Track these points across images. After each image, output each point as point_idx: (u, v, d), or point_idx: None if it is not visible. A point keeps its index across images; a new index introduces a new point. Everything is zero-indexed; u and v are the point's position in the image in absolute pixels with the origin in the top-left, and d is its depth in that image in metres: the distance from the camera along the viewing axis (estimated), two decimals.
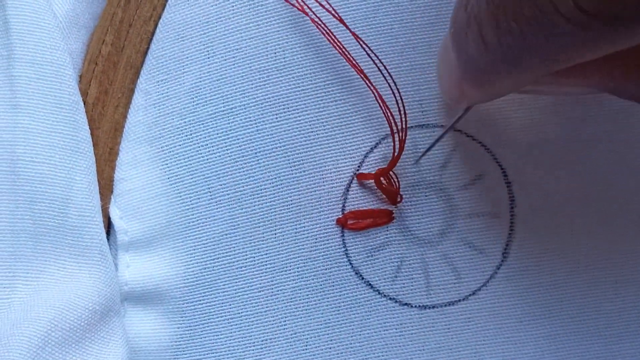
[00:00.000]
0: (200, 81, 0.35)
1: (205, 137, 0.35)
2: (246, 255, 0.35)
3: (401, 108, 0.33)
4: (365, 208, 0.35)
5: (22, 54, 0.35)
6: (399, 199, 0.35)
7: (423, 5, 0.34)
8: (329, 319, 0.35)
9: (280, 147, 0.35)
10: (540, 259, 0.35)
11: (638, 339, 0.36)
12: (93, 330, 0.35)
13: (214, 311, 0.36)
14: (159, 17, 0.36)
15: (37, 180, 0.35)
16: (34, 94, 0.35)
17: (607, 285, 0.36)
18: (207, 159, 0.35)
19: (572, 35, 0.23)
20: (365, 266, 0.35)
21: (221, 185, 0.35)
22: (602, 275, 0.36)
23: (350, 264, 0.35)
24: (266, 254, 0.35)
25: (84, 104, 0.36)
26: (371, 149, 0.34)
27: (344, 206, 0.35)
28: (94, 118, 0.37)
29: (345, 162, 0.35)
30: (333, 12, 0.33)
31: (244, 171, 0.35)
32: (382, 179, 0.34)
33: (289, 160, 0.35)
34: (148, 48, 0.36)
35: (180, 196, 0.36)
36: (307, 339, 0.35)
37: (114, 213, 0.37)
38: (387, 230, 0.35)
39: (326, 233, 0.35)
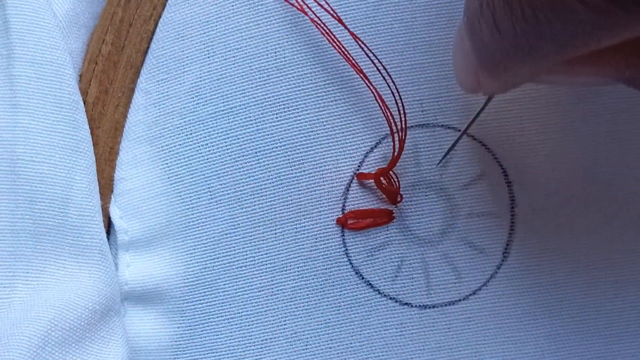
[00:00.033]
0: (201, 80, 0.35)
1: (205, 137, 0.35)
2: (246, 254, 0.35)
3: (401, 108, 0.33)
4: (365, 208, 0.35)
5: (22, 53, 0.35)
6: (399, 199, 0.35)
7: (423, 5, 0.34)
8: (329, 319, 0.35)
9: (281, 146, 0.35)
10: (540, 259, 0.35)
11: (638, 338, 0.36)
12: (93, 330, 0.35)
13: (214, 311, 0.36)
14: (159, 17, 0.36)
15: (37, 180, 0.35)
16: (34, 93, 0.35)
17: (607, 285, 0.36)
18: (207, 159, 0.35)
19: (588, 21, 0.22)
20: (365, 266, 0.35)
21: (221, 184, 0.35)
22: (602, 275, 0.36)
23: (351, 263, 0.35)
24: (266, 253, 0.35)
25: (84, 103, 0.36)
26: (371, 148, 0.34)
27: (344, 206, 0.35)
28: (94, 117, 0.37)
29: (346, 162, 0.35)
30: (332, 12, 0.33)
31: (244, 171, 0.35)
32: (382, 178, 0.34)
33: (289, 159, 0.35)
34: (148, 47, 0.36)
35: (181, 196, 0.36)
36: (307, 338, 0.35)
37: (114, 212, 0.37)
38: (387, 230, 0.35)
39: (326, 233, 0.35)
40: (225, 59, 0.35)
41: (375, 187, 0.34)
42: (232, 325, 0.36)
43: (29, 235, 0.35)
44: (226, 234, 0.35)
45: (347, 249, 0.35)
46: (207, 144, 0.35)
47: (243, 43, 0.35)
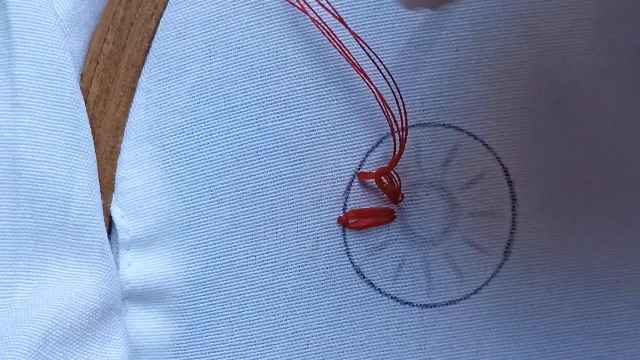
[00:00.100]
0: (202, 80, 0.35)
1: (206, 136, 0.35)
2: (247, 254, 0.35)
3: (401, 107, 0.33)
4: (366, 207, 0.35)
5: (23, 52, 0.35)
6: (400, 198, 0.35)
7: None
8: (330, 318, 0.35)
9: (282, 145, 0.35)
10: (541, 258, 0.35)
11: (639, 338, 0.36)
12: (94, 329, 0.35)
13: (215, 310, 0.36)
14: (161, 16, 0.36)
15: (38, 179, 0.35)
16: (35, 92, 0.35)
17: (608, 284, 0.36)
18: (209, 158, 0.35)
19: None
20: (366, 265, 0.35)
21: (222, 183, 0.35)
22: (603, 275, 0.36)
23: (352, 262, 0.35)
24: (267, 252, 0.35)
25: (85, 102, 0.37)
26: (372, 148, 0.34)
27: (345, 205, 0.35)
28: (95, 117, 0.37)
29: (347, 161, 0.35)
30: (333, 11, 0.33)
31: (245, 170, 0.35)
32: (383, 178, 0.34)
33: (290, 159, 0.35)
34: (149, 46, 0.36)
35: (182, 195, 0.36)
36: (308, 337, 0.35)
37: (115, 212, 0.37)
38: (389, 229, 0.35)
39: (327, 232, 0.35)
40: (227, 58, 0.35)
41: (376, 187, 0.34)
42: (233, 325, 0.36)
43: (30, 234, 0.35)
44: (227, 233, 0.35)
45: (348, 248, 0.35)
46: (209, 143, 0.35)
47: (244, 42, 0.35)
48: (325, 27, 0.34)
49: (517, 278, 0.35)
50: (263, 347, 0.35)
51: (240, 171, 0.35)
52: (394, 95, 0.33)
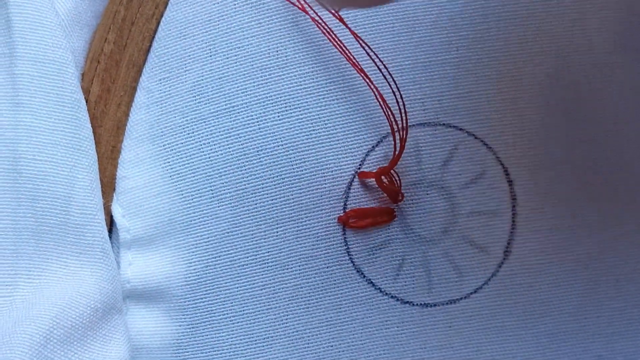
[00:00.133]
0: (202, 79, 0.35)
1: (207, 135, 0.35)
2: (248, 253, 0.35)
3: (402, 107, 0.33)
4: (366, 206, 0.35)
5: (24, 52, 0.35)
6: (400, 198, 0.35)
7: (424, 4, 0.34)
8: (331, 317, 0.35)
9: (282, 145, 0.35)
10: (541, 257, 0.35)
11: (639, 337, 0.36)
12: (95, 328, 0.35)
13: (215, 309, 0.36)
14: (162, 15, 0.36)
15: (40, 178, 0.35)
16: (36, 92, 0.35)
17: (609, 283, 0.36)
18: (209, 157, 0.35)
19: None
20: (366, 264, 0.35)
21: (223, 183, 0.35)
22: (603, 274, 0.36)
23: (352, 262, 0.35)
24: (268, 252, 0.35)
25: (86, 102, 0.37)
26: (372, 147, 0.34)
27: (345, 204, 0.35)
28: (96, 116, 0.37)
29: (347, 161, 0.35)
30: (333, 11, 0.33)
31: (245, 169, 0.35)
32: (383, 177, 0.34)
33: (290, 158, 0.35)
34: (150, 46, 0.36)
35: (182, 194, 0.36)
36: (308, 337, 0.35)
37: (116, 211, 0.37)
38: (389, 229, 0.35)
39: (328, 231, 0.35)
40: (227, 58, 0.35)
41: (377, 186, 0.34)
42: (233, 324, 0.36)
43: (31, 234, 0.35)
44: (228, 233, 0.35)
45: (348, 248, 0.35)
46: (209, 143, 0.35)
47: (245, 42, 0.35)
48: (326, 27, 0.34)
49: (517, 277, 0.35)
50: (263, 346, 0.36)
51: (241, 171, 0.35)
52: (394, 95, 0.33)
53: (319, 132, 0.34)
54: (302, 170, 0.35)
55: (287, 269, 0.35)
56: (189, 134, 0.35)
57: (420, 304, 0.35)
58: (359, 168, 0.35)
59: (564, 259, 0.35)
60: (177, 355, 0.37)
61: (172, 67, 0.36)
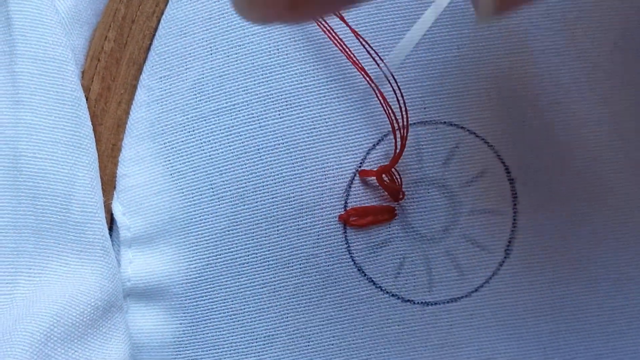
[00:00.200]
0: (203, 77, 0.35)
1: (207, 134, 0.35)
2: (248, 251, 0.35)
3: (402, 105, 0.33)
4: (367, 205, 0.35)
5: (25, 50, 0.35)
6: (401, 196, 0.35)
7: (425, 2, 0.34)
8: (331, 315, 0.35)
9: (283, 143, 0.35)
10: (542, 256, 0.35)
11: (639, 336, 0.36)
12: (95, 326, 0.35)
13: (216, 307, 0.36)
14: (162, 13, 0.36)
15: (40, 176, 0.35)
16: (36, 90, 0.35)
17: (609, 282, 0.36)
18: (210, 155, 0.35)
19: None
20: (367, 263, 0.35)
21: (223, 181, 0.35)
22: (604, 272, 0.36)
23: (353, 260, 0.35)
24: (268, 250, 0.35)
25: (87, 100, 0.37)
26: (373, 145, 0.34)
27: (346, 203, 0.35)
28: (97, 114, 0.37)
29: (348, 159, 0.35)
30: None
31: (246, 167, 0.35)
32: (384, 175, 0.34)
33: (291, 156, 0.35)
34: (151, 44, 0.36)
35: (183, 192, 0.36)
36: (309, 335, 0.35)
37: (117, 209, 0.37)
38: (390, 227, 0.35)
39: (328, 229, 0.35)
40: (228, 56, 0.35)
41: (377, 185, 0.34)
42: (234, 322, 0.36)
43: (32, 232, 0.35)
44: (228, 231, 0.35)
45: (349, 246, 0.35)
46: (210, 141, 0.35)
47: (245, 40, 0.35)
48: (327, 25, 0.34)
49: (518, 276, 0.35)
50: (264, 344, 0.36)
51: (242, 169, 0.35)
52: (395, 93, 0.33)
53: (319, 130, 0.34)
54: (303, 169, 0.35)
55: (288, 267, 0.35)
56: (189, 132, 0.35)
57: (421, 303, 0.35)
58: (360, 166, 0.35)
59: (565, 258, 0.35)
60: (177, 353, 0.37)
61: (172, 65, 0.36)
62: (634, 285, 0.36)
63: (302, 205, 0.35)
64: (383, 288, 0.35)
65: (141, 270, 0.37)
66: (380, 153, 0.35)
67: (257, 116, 0.35)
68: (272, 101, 0.34)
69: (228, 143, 0.35)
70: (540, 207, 0.35)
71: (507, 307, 0.35)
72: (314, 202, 0.35)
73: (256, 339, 0.36)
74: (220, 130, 0.35)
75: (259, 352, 0.36)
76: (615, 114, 0.35)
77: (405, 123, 0.33)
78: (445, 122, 0.34)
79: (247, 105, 0.35)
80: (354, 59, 0.33)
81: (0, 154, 0.35)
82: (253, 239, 0.35)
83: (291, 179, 0.35)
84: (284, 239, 0.35)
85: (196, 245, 0.36)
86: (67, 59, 0.36)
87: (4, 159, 0.35)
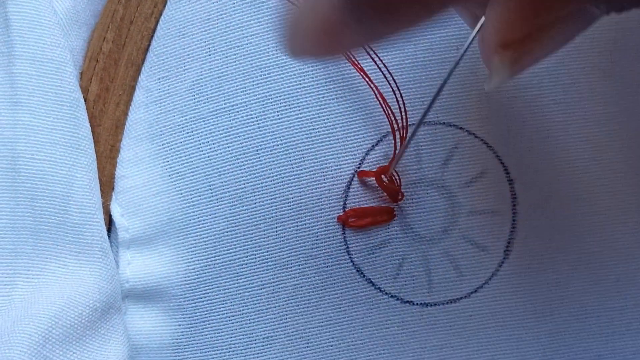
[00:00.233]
0: (202, 78, 0.35)
1: (206, 135, 0.35)
2: (247, 252, 0.35)
3: (402, 106, 0.33)
4: (366, 206, 0.35)
5: (23, 51, 0.35)
6: (400, 197, 0.35)
7: None
8: (331, 317, 0.35)
9: (282, 144, 0.35)
10: (542, 257, 0.35)
11: (639, 336, 0.36)
12: (94, 328, 0.35)
13: (215, 309, 0.36)
14: (160, 14, 0.36)
15: (38, 178, 0.35)
16: (34, 91, 0.35)
17: (609, 282, 0.36)
18: (208, 156, 0.35)
19: None
20: (366, 264, 0.35)
21: (222, 182, 0.35)
22: (603, 273, 0.36)
23: (352, 261, 0.35)
24: (267, 251, 0.35)
25: (85, 101, 0.37)
26: (372, 146, 0.34)
27: (345, 204, 0.35)
28: (95, 115, 0.37)
29: (347, 160, 0.34)
30: None
31: (245, 168, 0.35)
32: (383, 176, 0.34)
33: (290, 157, 0.34)
34: (149, 45, 0.36)
35: (181, 193, 0.36)
36: (308, 336, 0.35)
37: (115, 210, 0.37)
38: (389, 228, 0.35)
39: (327, 231, 0.35)
40: (227, 57, 0.35)
41: (376, 185, 0.34)
42: (233, 323, 0.36)
43: (30, 233, 0.35)
44: (227, 232, 0.35)
45: (348, 247, 0.35)
46: (208, 142, 0.35)
47: (244, 41, 0.35)
48: None
49: (518, 277, 0.35)
50: (263, 345, 0.35)
51: (240, 170, 0.35)
52: (394, 94, 0.33)
53: (318, 131, 0.34)
54: (302, 170, 0.34)
55: (287, 268, 0.35)
56: (188, 133, 0.35)
57: (420, 304, 0.35)
58: (359, 167, 0.35)
59: (564, 258, 0.35)
60: (176, 355, 0.37)
61: (171, 66, 0.36)
62: (634, 286, 0.36)
63: (301, 206, 0.35)
64: (382, 289, 0.35)
65: (140, 272, 0.37)
66: (379, 154, 0.34)
67: (256, 117, 0.35)
68: (271, 102, 0.34)
69: (227, 144, 0.35)
70: (540, 208, 0.35)
71: (507, 308, 0.35)
72: (313, 203, 0.35)
73: (255, 340, 0.35)
74: (218, 131, 0.35)
75: (258, 353, 0.35)
76: (615, 114, 0.35)
77: (404, 124, 0.33)
78: (444, 123, 0.34)
79: (246, 106, 0.35)
80: (353, 59, 0.33)
81: None
82: (252, 240, 0.35)
83: (290, 179, 0.35)
84: (282, 240, 0.35)
85: (195, 247, 0.36)
86: (66, 60, 0.36)
87: (2, 160, 0.35)
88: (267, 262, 0.35)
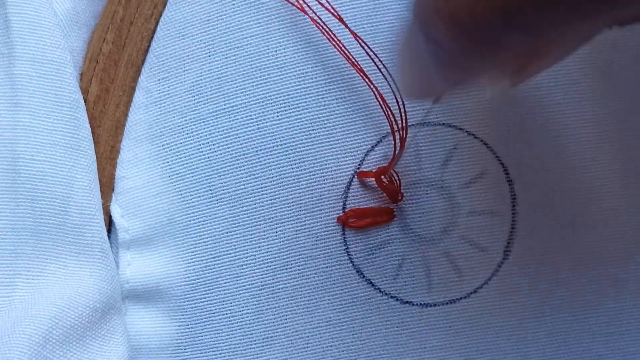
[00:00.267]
0: (202, 79, 0.35)
1: (206, 135, 0.35)
2: (247, 253, 0.35)
3: (401, 106, 0.33)
4: (366, 206, 0.35)
5: (23, 52, 0.35)
6: (399, 197, 0.35)
7: None
8: (330, 317, 0.35)
9: (281, 145, 0.35)
10: (541, 257, 0.35)
11: (639, 336, 0.36)
12: (94, 328, 0.35)
13: (215, 309, 0.36)
14: (160, 15, 0.36)
15: (38, 178, 0.35)
16: (34, 92, 0.35)
17: (608, 282, 0.36)
18: (208, 157, 0.35)
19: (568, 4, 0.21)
20: (366, 264, 0.35)
21: (222, 183, 0.35)
22: (603, 273, 0.36)
23: (351, 262, 0.35)
24: (267, 252, 0.35)
25: (85, 102, 0.37)
26: (372, 147, 0.34)
27: (344, 204, 0.35)
28: (95, 116, 0.37)
29: (346, 160, 0.35)
30: (332, 11, 0.33)
31: (244, 169, 0.35)
32: (382, 177, 0.34)
33: (289, 158, 0.35)
34: (149, 46, 0.36)
35: (181, 194, 0.36)
36: (308, 337, 0.35)
37: (115, 211, 0.37)
38: (388, 229, 0.35)
39: (327, 231, 0.35)
40: (226, 58, 0.35)
41: (376, 186, 0.34)
42: (233, 324, 0.36)
43: (30, 234, 0.35)
44: (227, 233, 0.35)
45: (347, 248, 0.35)
46: (208, 143, 0.35)
47: (244, 42, 0.35)
48: (325, 27, 0.34)
49: (517, 277, 0.35)
50: (263, 346, 0.35)
51: (240, 171, 0.35)
52: (394, 95, 0.33)
53: (318, 132, 0.34)
54: (302, 170, 0.34)
55: (287, 269, 0.35)
56: (188, 134, 0.35)
57: (420, 304, 0.35)
58: (359, 168, 0.35)
59: (564, 259, 0.35)
60: (176, 355, 0.37)
61: (171, 67, 0.36)
62: (634, 285, 0.36)
63: (300, 207, 0.35)
64: (382, 290, 0.35)
65: (140, 272, 0.37)
66: (378, 154, 0.34)
67: (256, 118, 0.35)
68: (271, 103, 0.34)
69: (226, 145, 0.35)
70: (539, 208, 0.35)
71: (506, 308, 0.35)
72: (313, 204, 0.35)
73: (255, 340, 0.35)
74: (218, 132, 0.35)
75: (257, 353, 0.35)
76: (615, 114, 0.35)
77: (404, 124, 0.33)
78: (444, 124, 0.34)
79: (246, 107, 0.35)
80: (353, 60, 0.34)
81: None
82: (252, 241, 0.35)
83: (290, 180, 0.35)
84: (282, 241, 0.35)
85: (195, 247, 0.36)
86: (66, 61, 0.36)
87: (2, 161, 0.35)
88: (266, 263, 0.35)
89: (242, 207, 0.35)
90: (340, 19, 0.33)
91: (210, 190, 0.35)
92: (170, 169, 0.36)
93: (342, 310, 0.35)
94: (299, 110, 0.34)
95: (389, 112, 0.33)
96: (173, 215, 0.36)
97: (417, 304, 0.35)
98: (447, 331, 0.35)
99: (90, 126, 0.36)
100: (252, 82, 0.35)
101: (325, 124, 0.34)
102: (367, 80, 0.33)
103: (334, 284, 0.35)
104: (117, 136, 0.37)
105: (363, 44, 0.33)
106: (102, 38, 0.37)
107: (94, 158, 0.36)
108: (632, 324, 0.36)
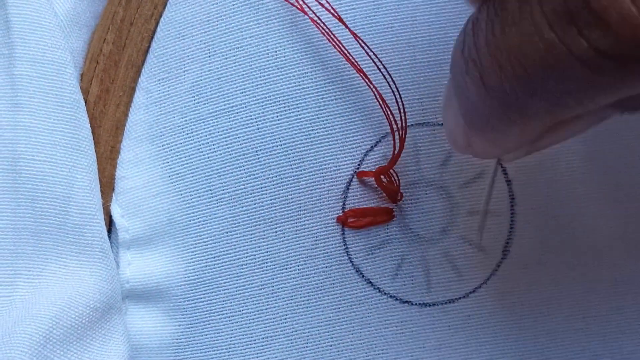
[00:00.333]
0: (201, 79, 0.35)
1: (206, 136, 0.35)
2: (247, 253, 0.35)
3: (401, 106, 0.33)
4: (365, 206, 0.35)
5: (23, 52, 0.35)
6: (399, 197, 0.35)
7: (423, 4, 0.34)
8: (330, 317, 0.35)
9: (281, 145, 0.35)
10: (540, 257, 0.35)
11: (637, 336, 0.36)
12: (94, 328, 0.35)
13: (215, 309, 0.36)
14: (160, 16, 0.36)
15: (39, 179, 0.35)
16: (35, 92, 0.35)
17: (607, 283, 0.36)
18: (208, 157, 0.35)
19: (585, 78, 0.21)
20: (365, 264, 0.35)
21: (222, 183, 0.35)
22: (602, 273, 0.36)
23: (351, 261, 0.35)
24: (267, 251, 0.35)
25: (85, 102, 0.37)
26: (371, 147, 0.34)
27: (344, 204, 0.35)
28: (95, 116, 0.37)
29: (346, 160, 0.35)
30: (332, 11, 0.33)
31: (244, 169, 0.35)
32: (382, 177, 0.34)
33: (289, 158, 0.35)
34: (149, 47, 0.36)
35: (181, 194, 0.36)
36: (307, 336, 0.35)
37: (115, 211, 0.37)
38: (388, 228, 0.35)
39: (326, 231, 0.35)
40: (226, 58, 0.35)
41: (376, 186, 0.34)
42: (233, 323, 0.36)
43: (31, 234, 0.35)
44: (227, 232, 0.35)
45: (347, 247, 0.35)
46: (208, 143, 0.35)
47: (243, 42, 0.35)
48: (325, 27, 0.34)
49: (516, 276, 0.35)
50: (263, 345, 0.36)
51: (240, 171, 0.35)
52: (394, 95, 0.33)
53: (317, 132, 0.34)
54: (301, 170, 0.35)
55: (286, 268, 0.35)
56: (188, 134, 0.35)
57: (419, 304, 0.35)
58: (358, 168, 0.35)
59: (562, 259, 0.35)
60: (176, 355, 0.37)
61: (171, 67, 0.36)
62: (632, 285, 0.36)
63: (300, 207, 0.35)
64: (381, 289, 0.35)
65: (140, 272, 0.37)
66: (378, 154, 0.35)
67: (255, 118, 0.35)
68: (270, 103, 0.35)
69: (226, 145, 0.35)
70: (538, 208, 0.35)
71: (505, 308, 0.35)
72: (312, 204, 0.35)
73: (255, 340, 0.36)
74: (218, 132, 0.35)
75: (257, 353, 0.36)
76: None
77: (403, 124, 0.33)
78: (443, 124, 0.34)
79: (245, 107, 0.35)
80: (352, 60, 0.34)
81: None
82: (251, 241, 0.35)
83: (289, 180, 0.35)
84: (282, 241, 0.35)
85: (195, 247, 0.36)
86: (66, 61, 0.36)
87: (2, 161, 0.35)
88: (266, 263, 0.35)
89: (242, 207, 0.35)
90: (340, 19, 0.33)
91: (210, 190, 0.35)
92: (170, 169, 0.36)
93: (342, 309, 0.35)
94: (298, 111, 0.34)
95: (389, 112, 0.33)
96: (173, 215, 0.36)
97: (416, 304, 0.35)
98: (446, 331, 0.35)
99: (91, 126, 0.36)
100: (252, 83, 0.35)
101: (324, 124, 0.34)
102: (366, 80, 0.33)
103: (334, 283, 0.35)
104: (118, 136, 0.37)
105: (363, 44, 0.33)
106: (103, 39, 0.37)
107: (94, 158, 0.36)
108: (630, 324, 0.36)
